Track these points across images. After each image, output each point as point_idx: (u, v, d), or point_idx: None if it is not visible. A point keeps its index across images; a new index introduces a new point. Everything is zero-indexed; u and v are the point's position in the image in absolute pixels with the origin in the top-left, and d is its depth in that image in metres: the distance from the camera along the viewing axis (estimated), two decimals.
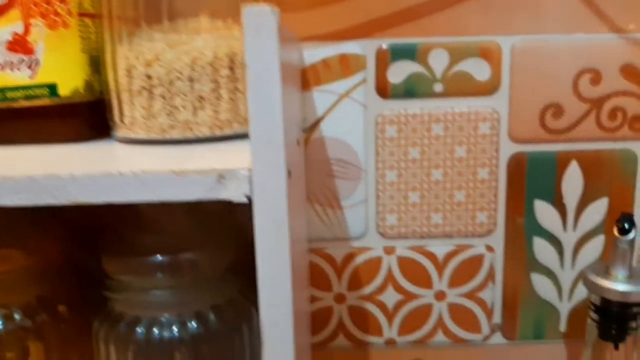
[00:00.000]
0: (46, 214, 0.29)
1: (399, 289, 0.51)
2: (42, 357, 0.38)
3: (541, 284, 0.51)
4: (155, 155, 0.30)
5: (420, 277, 0.50)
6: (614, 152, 0.48)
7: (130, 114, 0.33)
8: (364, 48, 0.47)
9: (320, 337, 0.52)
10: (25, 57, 0.34)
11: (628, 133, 0.48)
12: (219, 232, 0.36)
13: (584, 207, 0.49)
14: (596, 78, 0.47)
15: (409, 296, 0.51)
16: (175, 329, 0.34)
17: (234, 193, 0.25)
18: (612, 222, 0.42)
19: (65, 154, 0.32)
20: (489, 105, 0.48)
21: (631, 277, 0.41)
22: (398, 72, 0.47)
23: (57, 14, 0.34)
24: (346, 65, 0.47)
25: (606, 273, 0.42)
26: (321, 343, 0.52)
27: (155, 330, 0.34)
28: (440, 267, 0.50)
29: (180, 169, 0.25)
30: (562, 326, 0.51)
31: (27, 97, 0.35)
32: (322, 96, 0.48)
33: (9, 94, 0.35)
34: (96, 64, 0.36)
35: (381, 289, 0.51)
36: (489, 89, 0.47)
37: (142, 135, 0.33)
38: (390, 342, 0.52)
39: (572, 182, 0.49)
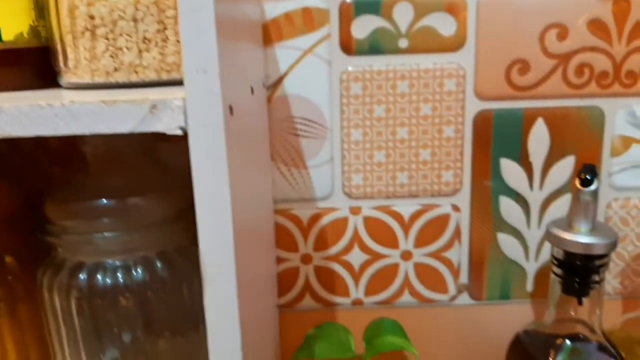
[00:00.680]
0: None
1: (365, 249, 0.50)
2: None
3: (508, 244, 0.50)
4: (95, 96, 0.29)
5: (386, 237, 0.50)
6: (580, 109, 0.48)
7: (74, 57, 0.32)
8: (327, 1, 0.46)
9: (287, 299, 0.51)
10: None
11: (595, 90, 0.47)
12: (173, 177, 0.35)
13: (550, 165, 0.49)
14: (563, 33, 0.46)
15: (375, 256, 0.50)
16: (119, 275, 0.33)
17: (167, 125, 0.24)
18: None
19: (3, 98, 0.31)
20: (454, 62, 0.47)
21: (594, 229, 0.41)
22: (362, 27, 0.46)
23: None
24: (309, 20, 0.46)
25: (569, 226, 0.41)
26: (288, 304, 0.51)
27: (99, 276, 0.33)
28: (406, 227, 0.50)
29: (111, 99, 0.24)
30: (529, 286, 0.51)
31: None
32: (285, 52, 0.47)
33: None
34: (42, 8, 0.34)
35: (347, 249, 0.50)
36: (455, 45, 0.47)
37: (86, 79, 0.32)
38: (357, 303, 0.51)
39: (539, 140, 0.48)
